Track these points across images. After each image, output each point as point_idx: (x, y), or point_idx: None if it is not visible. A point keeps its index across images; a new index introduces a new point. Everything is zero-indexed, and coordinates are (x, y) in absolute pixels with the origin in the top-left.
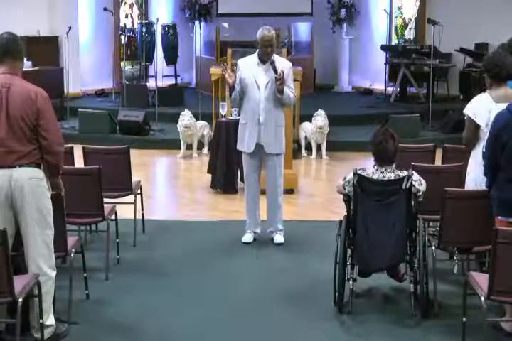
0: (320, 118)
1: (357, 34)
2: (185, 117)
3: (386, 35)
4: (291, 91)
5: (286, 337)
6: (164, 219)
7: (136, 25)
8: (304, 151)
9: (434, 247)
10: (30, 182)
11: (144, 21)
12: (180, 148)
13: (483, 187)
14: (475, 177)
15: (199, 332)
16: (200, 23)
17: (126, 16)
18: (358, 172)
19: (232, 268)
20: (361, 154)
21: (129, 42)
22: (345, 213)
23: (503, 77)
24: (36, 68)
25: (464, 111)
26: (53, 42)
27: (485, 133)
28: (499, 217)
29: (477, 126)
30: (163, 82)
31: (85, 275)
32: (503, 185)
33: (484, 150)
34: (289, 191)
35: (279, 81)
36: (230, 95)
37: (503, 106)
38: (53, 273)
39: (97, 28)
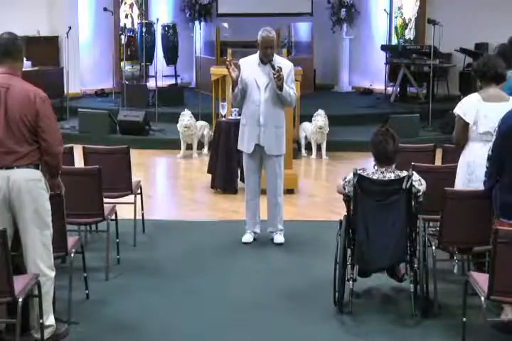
0: (320, 118)
1: (357, 34)
2: (185, 117)
3: (386, 35)
4: (294, 93)
5: (286, 337)
6: (164, 219)
7: (136, 25)
8: (304, 151)
9: (434, 247)
10: (28, 184)
11: (144, 21)
12: (180, 148)
13: (470, 187)
14: (463, 177)
15: (199, 332)
16: (200, 23)
17: (126, 16)
18: (358, 172)
19: (232, 268)
20: (361, 154)
21: (129, 42)
22: (345, 213)
23: (491, 76)
24: (36, 68)
25: (454, 110)
26: (53, 42)
27: (473, 132)
28: (501, 219)
29: (466, 125)
30: (163, 82)
31: (85, 275)
32: (506, 187)
33: (490, 152)
34: (289, 191)
35: (277, 77)
36: (233, 90)
37: (491, 105)
38: (52, 274)
39: (97, 28)
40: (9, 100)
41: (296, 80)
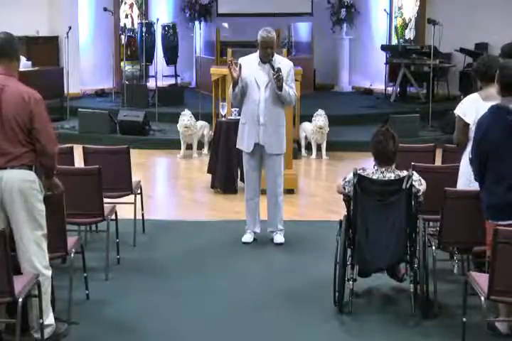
0: (320, 118)
1: (357, 34)
2: (185, 117)
3: (386, 35)
4: (294, 92)
5: (286, 337)
6: (164, 219)
7: (136, 25)
8: (304, 151)
9: (434, 247)
10: (20, 184)
11: (144, 21)
12: (180, 148)
13: (472, 187)
14: (464, 178)
15: (199, 332)
16: (200, 23)
17: (126, 16)
18: (358, 172)
19: (232, 268)
20: (361, 154)
21: (129, 42)
22: (345, 213)
23: (491, 76)
24: (36, 68)
25: (455, 111)
26: (53, 42)
27: (474, 132)
28: (490, 221)
29: (466, 125)
30: (163, 82)
31: (85, 275)
32: (489, 188)
33: (470, 155)
34: (289, 191)
35: (276, 78)
36: (233, 90)
37: (490, 104)
38: (49, 273)
39: (97, 28)
40: (4, 101)
41: (296, 80)
